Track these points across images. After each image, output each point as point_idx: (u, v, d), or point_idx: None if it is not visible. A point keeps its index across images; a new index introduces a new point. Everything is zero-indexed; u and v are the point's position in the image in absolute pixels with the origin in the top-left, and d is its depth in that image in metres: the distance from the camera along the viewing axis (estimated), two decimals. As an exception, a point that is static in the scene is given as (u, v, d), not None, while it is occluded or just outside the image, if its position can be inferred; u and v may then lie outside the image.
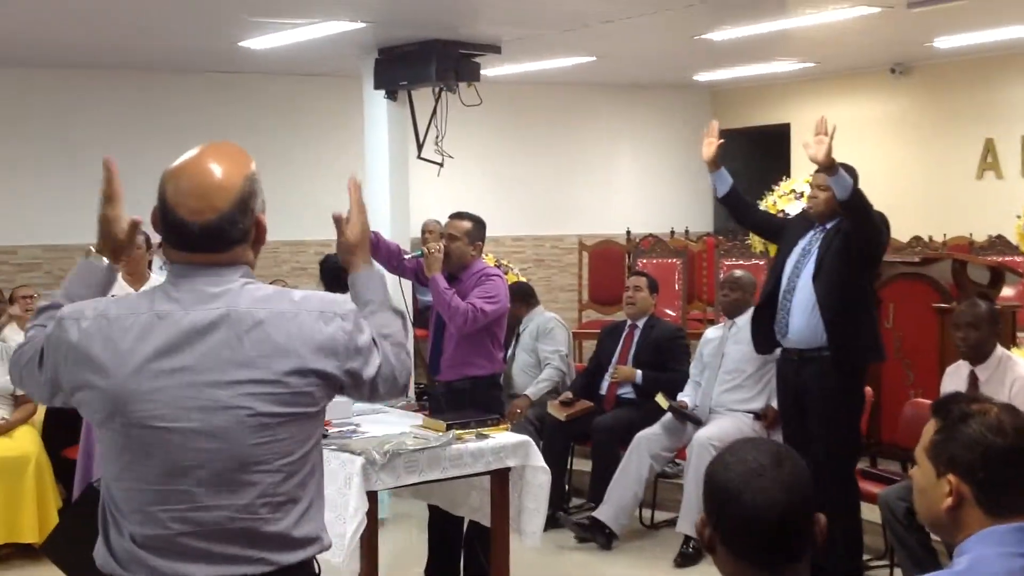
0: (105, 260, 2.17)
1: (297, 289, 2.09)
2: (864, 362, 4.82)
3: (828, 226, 4.74)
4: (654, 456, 5.63)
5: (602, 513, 5.61)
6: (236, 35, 7.69)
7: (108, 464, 1.96)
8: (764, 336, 4.94)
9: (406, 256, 5.05)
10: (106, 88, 9.21)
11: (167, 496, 1.89)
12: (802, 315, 4.73)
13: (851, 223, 4.59)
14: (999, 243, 8.20)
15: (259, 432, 1.89)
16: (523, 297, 6.72)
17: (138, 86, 9.30)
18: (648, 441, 5.63)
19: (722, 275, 8.47)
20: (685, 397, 5.78)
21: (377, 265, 2.43)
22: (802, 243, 4.83)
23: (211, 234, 1.92)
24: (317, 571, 2.06)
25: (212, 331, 1.89)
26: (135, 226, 2.18)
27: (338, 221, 2.33)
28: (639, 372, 5.99)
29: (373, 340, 2.03)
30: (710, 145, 5.01)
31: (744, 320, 5.42)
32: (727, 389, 5.61)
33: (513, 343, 6.63)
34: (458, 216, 4.99)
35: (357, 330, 2.00)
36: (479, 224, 4.95)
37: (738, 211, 5.28)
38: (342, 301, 2.03)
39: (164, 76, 9.34)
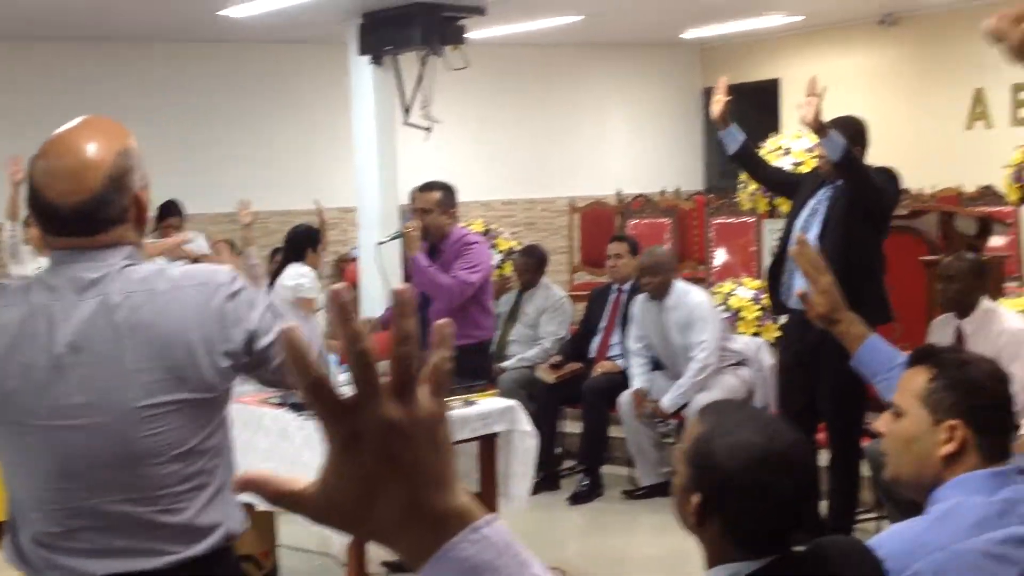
0: None
1: (182, 266, 1.99)
2: (871, 324, 4.77)
3: (837, 183, 4.64)
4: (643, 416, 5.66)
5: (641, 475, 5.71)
6: (217, 3, 7.62)
7: (3, 463, 1.90)
8: (777, 296, 4.91)
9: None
10: (83, 60, 9.13)
11: (62, 494, 1.82)
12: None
13: (848, 184, 4.54)
14: (988, 193, 8.17)
15: (147, 423, 1.80)
16: (538, 264, 6.59)
17: (117, 57, 9.22)
18: (629, 408, 5.67)
19: (712, 234, 8.46)
20: (638, 380, 5.73)
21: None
22: (812, 202, 4.77)
23: (84, 216, 1.80)
24: (235, 559, 1.99)
25: (90, 321, 1.79)
26: None
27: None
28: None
29: (270, 311, 1.89)
30: (718, 103, 4.92)
31: (677, 295, 5.52)
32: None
33: (512, 306, 6.58)
34: (426, 188, 4.97)
35: (245, 301, 1.86)
36: (449, 191, 4.92)
37: (750, 168, 5.23)
38: (224, 271, 1.90)
39: (144, 46, 9.26)
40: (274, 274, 6.16)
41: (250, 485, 0.77)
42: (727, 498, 1.60)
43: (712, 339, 5.50)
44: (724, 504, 1.60)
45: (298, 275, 6.06)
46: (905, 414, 1.92)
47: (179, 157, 9.03)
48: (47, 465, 1.82)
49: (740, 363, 5.73)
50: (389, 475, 0.74)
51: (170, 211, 7.34)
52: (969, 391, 1.87)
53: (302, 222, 6.84)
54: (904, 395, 1.93)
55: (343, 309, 0.72)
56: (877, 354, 2.30)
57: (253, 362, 1.86)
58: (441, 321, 0.76)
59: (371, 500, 0.75)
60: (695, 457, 1.63)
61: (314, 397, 0.74)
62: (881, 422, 1.99)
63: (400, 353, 0.74)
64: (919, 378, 1.91)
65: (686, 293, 5.65)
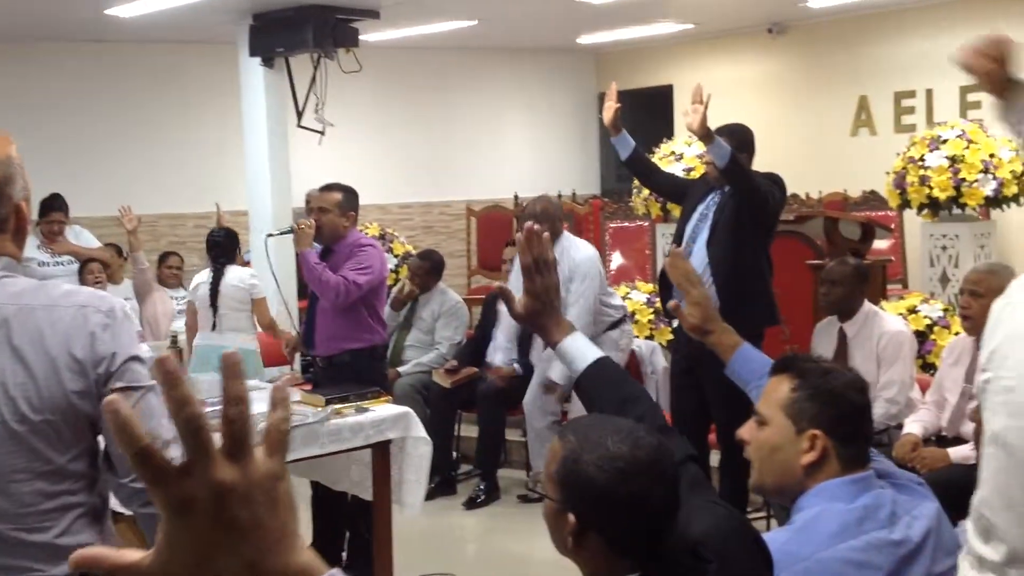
0: None
1: (66, 284, 1.94)
2: (757, 326, 4.85)
3: (725, 189, 4.72)
4: (551, 414, 5.64)
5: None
6: (103, 2, 7.41)
7: None
8: (668, 300, 4.93)
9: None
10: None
11: None
12: None
13: (734, 189, 4.63)
14: (872, 198, 8.44)
15: (13, 441, 1.76)
16: (434, 268, 6.57)
17: (1, 59, 8.91)
18: (537, 408, 5.65)
19: (608, 238, 8.55)
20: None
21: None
22: (701, 207, 4.83)
23: None
24: None
25: None
26: None
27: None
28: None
29: (140, 360, 1.84)
30: (609, 109, 4.96)
31: (562, 246, 5.41)
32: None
33: (407, 312, 6.54)
34: (328, 188, 4.93)
35: (121, 334, 1.82)
36: (350, 194, 4.87)
37: (642, 174, 5.28)
38: (108, 299, 1.87)
39: (27, 46, 8.95)
40: (215, 280, 6.03)
41: (84, 563, 0.75)
42: (603, 513, 1.59)
43: (590, 295, 5.41)
44: (600, 519, 1.59)
45: (248, 275, 6.11)
46: (769, 423, 1.95)
47: (63, 159, 8.76)
48: None
49: (621, 320, 5.73)
50: (227, 539, 0.73)
51: (54, 206, 7.09)
52: (830, 401, 1.90)
53: (215, 227, 6.66)
54: (768, 404, 1.96)
55: (169, 375, 0.72)
56: (749, 363, 2.32)
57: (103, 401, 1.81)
58: (278, 383, 0.78)
59: (210, 566, 0.74)
60: (564, 477, 1.62)
61: (142, 466, 0.73)
62: (745, 430, 2.01)
63: (231, 415, 0.74)
64: (782, 387, 1.95)
65: (572, 246, 5.54)
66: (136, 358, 1.85)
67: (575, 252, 5.53)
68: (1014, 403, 1.29)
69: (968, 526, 1.34)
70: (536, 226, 2.00)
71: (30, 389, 1.75)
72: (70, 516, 1.83)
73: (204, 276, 6.09)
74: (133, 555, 0.76)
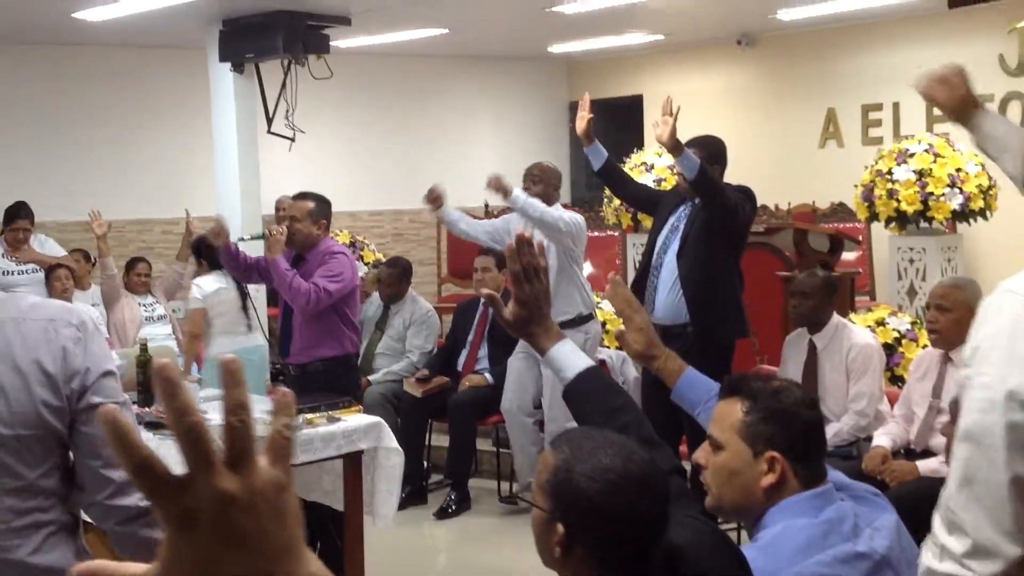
0: None
1: (33, 296, 1.92)
2: (727, 338, 4.88)
3: (696, 201, 4.75)
4: (530, 415, 5.60)
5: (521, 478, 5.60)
6: (71, 5, 7.34)
7: None
8: None
9: (242, 240, 4.98)
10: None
11: None
12: (666, 291, 4.77)
13: (704, 201, 4.65)
14: (840, 210, 8.51)
15: None
16: (403, 274, 6.58)
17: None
18: (516, 408, 5.60)
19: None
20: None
21: None
22: (672, 219, 4.87)
23: None
24: None
25: None
26: None
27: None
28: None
29: (113, 376, 1.83)
30: (582, 119, 4.99)
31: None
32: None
33: (378, 319, 6.53)
34: (300, 196, 4.94)
35: (92, 348, 1.80)
36: (322, 202, 4.87)
37: (614, 184, 5.31)
38: (77, 312, 1.85)
39: (-6, 48, 8.85)
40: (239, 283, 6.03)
41: None
42: (592, 524, 1.60)
43: (565, 216, 5.35)
44: (589, 531, 1.60)
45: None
46: (724, 447, 1.94)
47: (29, 164, 8.67)
48: None
49: (588, 318, 5.62)
50: (232, 551, 0.71)
51: (19, 214, 7.01)
52: (784, 421, 1.91)
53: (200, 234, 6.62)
54: (721, 428, 1.96)
55: (169, 383, 0.70)
56: (694, 387, 2.32)
57: (80, 416, 1.78)
58: (282, 390, 0.75)
59: None
60: (555, 487, 1.63)
61: (142, 478, 0.70)
62: (700, 454, 2.01)
63: (233, 423, 0.72)
64: (734, 410, 1.94)
65: (558, 211, 5.45)
66: (110, 373, 1.83)
67: (563, 213, 5.47)
68: (988, 399, 1.32)
69: (935, 517, 1.37)
70: (527, 233, 2.01)
71: (0, 404, 1.72)
72: (42, 533, 1.80)
73: (214, 281, 5.97)
74: (135, 568, 0.74)
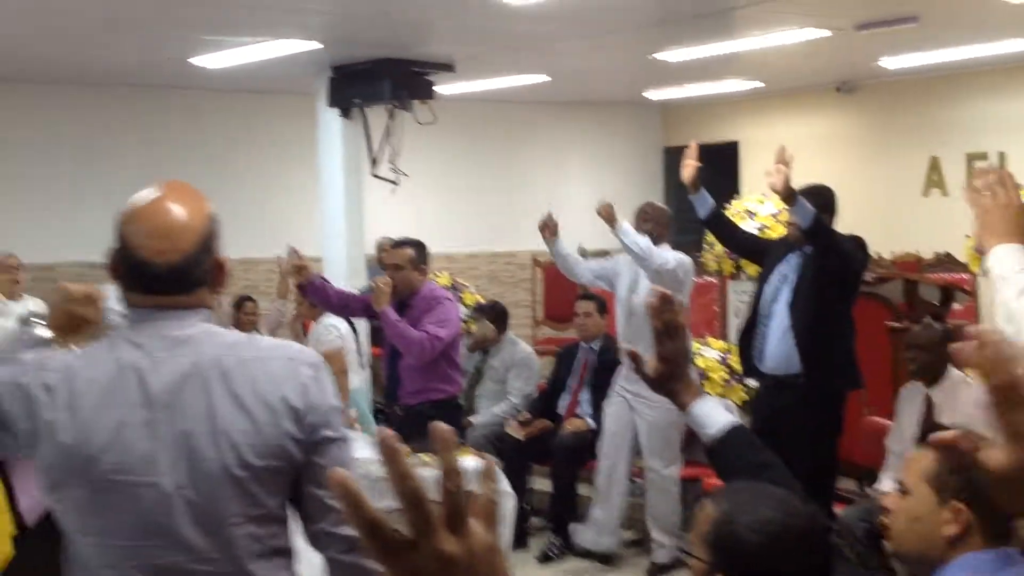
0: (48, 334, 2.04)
1: (267, 338, 2.03)
2: (839, 389, 4.80)
3: (807, 250, 4.69)
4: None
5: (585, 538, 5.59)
6: (188, 52, 7.61)
7: (69, 518, 1.87)
8: (748, 361, 4.91)
9: (358, 292, 5.10)
10: (54, 103, 9.05)
11: (141, 552, 1.81)
12: (777, 341, 4.71)
13: (817, 250, 4.61)
14: (947, 260, 8.35)
15: (233, 486, 1.82)
16: (499, 318, 6.66)
17: (86, 102, 9.16)
18: (619, 447, 5.54)
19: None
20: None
21: None
22: (780, 267, 4.80)
23: (175, 276, 1.86)
24: None
25: (181, 380, 1.82)
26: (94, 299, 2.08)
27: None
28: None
29: (338, 408, 1.92)
30: (688, 167, 4.98)
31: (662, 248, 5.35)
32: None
33: (478, 362, 6.60)
34: (399, 245, 5.07)
35: (327, 386, 1.90)
36: (421, 248, 4.99)
37: (721, 233, 5.27)
38: (310, 352, 1.96)
39: (114, 91, 9.20)
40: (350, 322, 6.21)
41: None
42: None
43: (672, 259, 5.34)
44: None
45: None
46: (911, 492, 1.95)
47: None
48: (130, 522, 1.81)
49: None
50: None
51: None
52: (974, 474, 1.90)
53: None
54: (910, 474, 1.96)
55: (391, 451, 0.75)
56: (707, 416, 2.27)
57: (314, 448, 1.86)
58: (488, 461, 0.81)
59: None
60: (717, 539, 1.64)
61: (372, 539, 0.76)
62: (888, 499, 2.02)
63: (449, 487, 0.77)
64: (926, 458, 1.95)
65: (667, 252, 5.39)
66: (337, 408, 1.93)
67: (669, 255, 5.40)
68: None
69: None
70: (667, 291, 2.03)
71: (253, 436, 1.81)
72: (275, 560, 1.88)
73: (336, 320, 5.94)
74: None
